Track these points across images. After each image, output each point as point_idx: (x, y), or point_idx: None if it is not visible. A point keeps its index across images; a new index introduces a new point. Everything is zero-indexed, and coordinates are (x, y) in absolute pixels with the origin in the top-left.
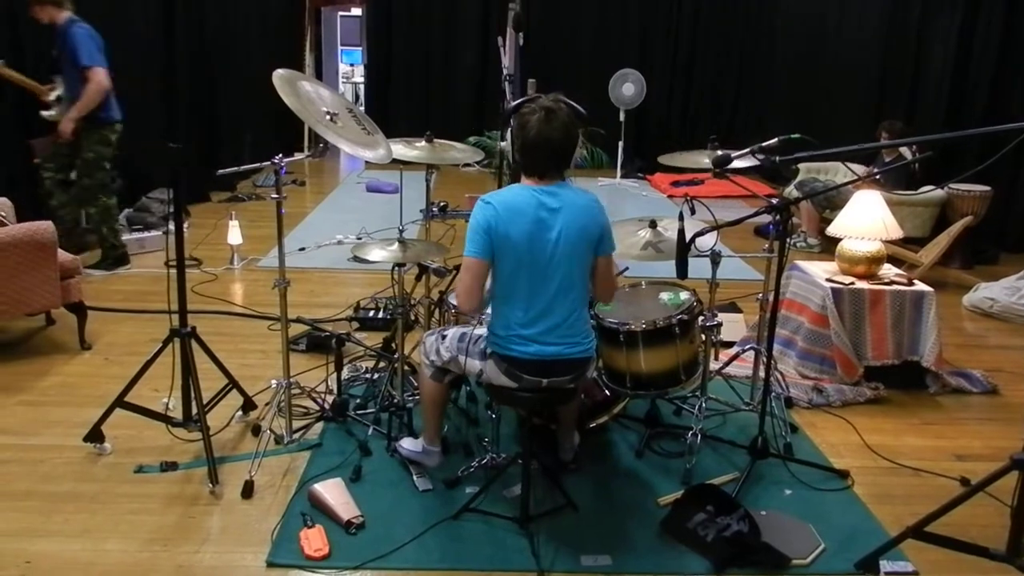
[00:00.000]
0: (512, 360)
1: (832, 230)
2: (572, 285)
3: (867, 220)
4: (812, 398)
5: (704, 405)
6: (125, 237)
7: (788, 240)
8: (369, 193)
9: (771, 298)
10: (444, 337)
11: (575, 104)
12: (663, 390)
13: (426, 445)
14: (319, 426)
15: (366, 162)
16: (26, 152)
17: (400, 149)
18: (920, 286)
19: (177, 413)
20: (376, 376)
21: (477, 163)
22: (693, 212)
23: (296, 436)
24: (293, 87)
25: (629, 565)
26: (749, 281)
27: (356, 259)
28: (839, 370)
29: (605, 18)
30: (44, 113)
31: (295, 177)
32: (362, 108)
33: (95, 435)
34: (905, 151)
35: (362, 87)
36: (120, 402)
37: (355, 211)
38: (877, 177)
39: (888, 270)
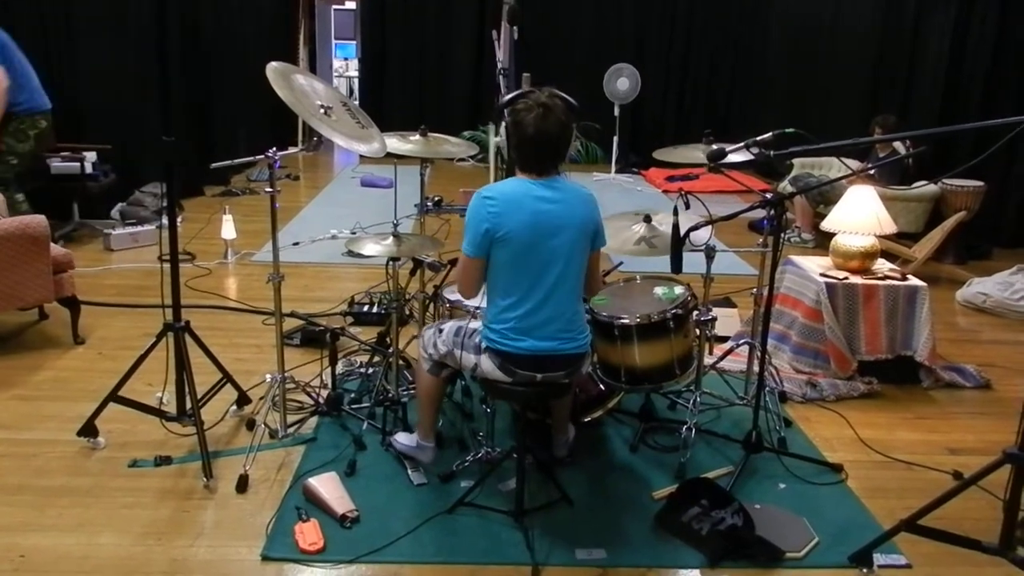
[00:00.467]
0: (506, 355)
1: (826, 225)
2: (568, 280)
3: (861, 215)
4: (806, 392)
5: (698, 399)
6: (119, 231)
7: (782, 235)
8: (363, 188)
9: (765, 293)
10: (441, 331)
11: (568, 97)
12: (658, 384)
13: (420, 441)
14: (314, 420)
15: (360, 156)
16: None
17: (394, 143)
18: (914, 281)
19: (171, 407)
20: (371, 370)
21: (472, 157)
22: (688, 207)
23: (291, 430)
24: (287, 80)
25: (624, 559)
26: (743, 276)
27: (350, 253)
28: (833, 364)
29: (600, 12)
30: None
31: (289, 171)
32: (356, 102)
33: (89, 429)
34: (899, 146)
35: (356, 81)
36: (114, 396)
37: (349, 205)
38: (871, 172)
39: (882, 265)
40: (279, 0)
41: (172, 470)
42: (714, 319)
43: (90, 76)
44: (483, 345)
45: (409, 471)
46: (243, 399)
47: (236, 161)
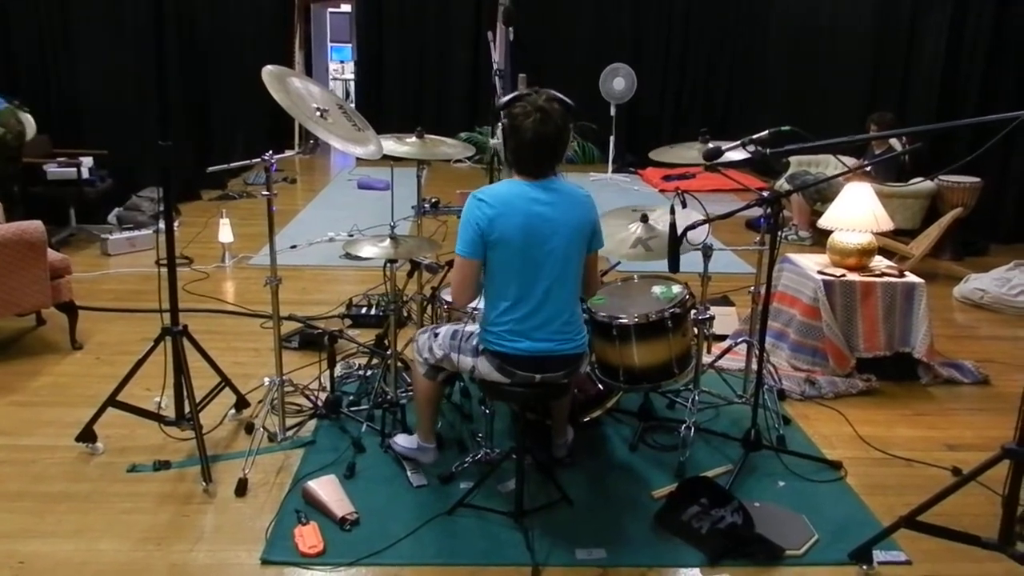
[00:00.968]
0: (504, 356)
1: (823, 222)
2: (565, 280)
3: (858, 212)
4: (804, 390)
5: (697, 398)
6: (116, 236)
7: (779, 233)
8: (360, 190)
9: (763, 291)
10: (436, 335)
11: (564, 98)
12: (656, 384)
13: (421, 442)
14: (312, 423)
15: (357, 159)
16: None
17: (390, 145)
18: (911, 277)
19: (170, 412)
20: (369, 373)
21: (468, 159)
22: (684, 206)
23: (289, 434)
24: (283, 84)
25: (624, 558)
26: (741, 274)
27: (348, 256)
28: (831, 362)
29: (597, 12)
30: None
31: (286, 175)
32: (352, 105)
33: (87, 435)
34: (895, 143)
35: (352, 84)
36: (112, 401)
37: (346, 208)
38: (867, 169)
39: (879, 262)
40: (275, 4)
41: (171, 474)
42: (712, 318)
43: (87, 81)
44: (480, 347)
45: (408, 473)
46: (242, 403)
47: (232, 165)
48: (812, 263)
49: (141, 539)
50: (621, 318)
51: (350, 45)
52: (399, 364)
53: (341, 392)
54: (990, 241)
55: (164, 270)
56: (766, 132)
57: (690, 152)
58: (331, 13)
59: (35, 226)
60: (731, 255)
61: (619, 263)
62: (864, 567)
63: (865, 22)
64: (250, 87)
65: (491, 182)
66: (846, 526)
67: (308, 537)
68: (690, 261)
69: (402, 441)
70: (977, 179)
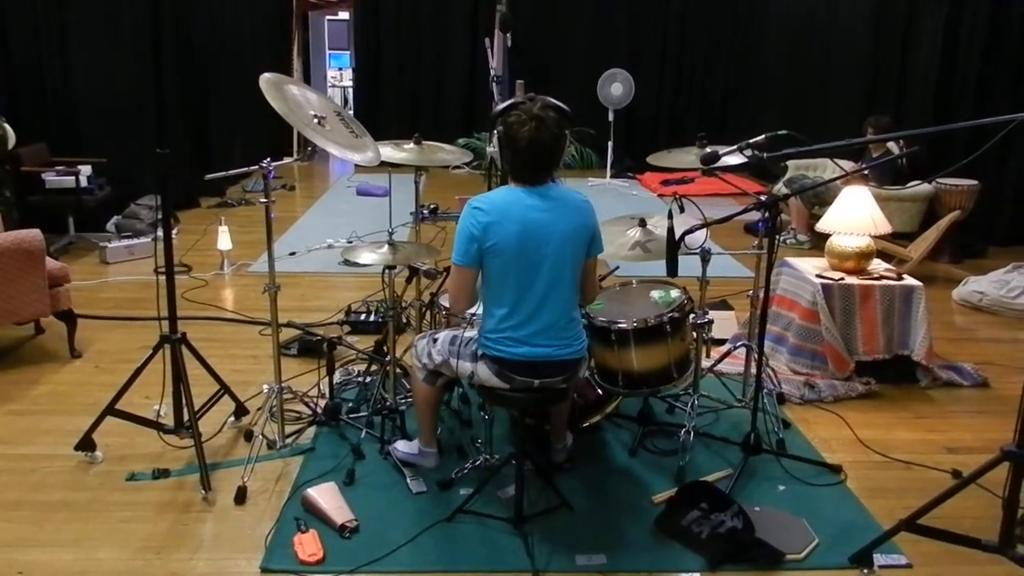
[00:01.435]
0: (503, 361)
1: (821, 226)
2: (563, 286)
3: (856, 216)
4: (804, 394)
5: (696, 402)
6: (114, 244)
7: (777, 237)
8: (359, 197)
9: (762, 295)
10: (435, 340)
11: (560, 104)
12: (655, 388)
13: (422, 447)
14: (312, 430)
15: (356, 165)
16: None
17: (388, 151)
18: (909, 280)
19: (169, 420)
20: (368, 379)
21: (467, 164)
22: (682, 210)
23: (289, 441)
24: (280, 91)
25: (624, 564)
26: (739, 278)
27: (346, 263)
28: (830, 365)
29: (594, 17)
30: None
31: (284, 182)
32: (351, 112)
33: (86, 443)
34: (893, 146)
35: (350, 91)
36: (111, 410)
37: (345, 215)
38: (865, 173)
39: (877, 265)
40: (273, 11)
41: (170, 483)
42: (711, 322)
43: (85, 90)
44: (479, 352)
45: (408, 479)
46: (241, 410)
47: (231, 172)
48: (810, 267)
49: (140, 548)
50: (620, 323)
51: (348, 52)
52: (398, 370)
53: (340, 399)
54: (988, 243)
55: (163, 278)
56: (763, 136)
57: (688, 156)
58: (329, 20)
59: (33, 235)
60: (730, 259)
61: (618, 267)
62: (865, 571)
63: (862, 23)
64: (248, 95)
65: (489, 188)
66: (846, 530)
67: (308, 545)
68: (689, 265)
69: (402, 447)
70: (975, 182)
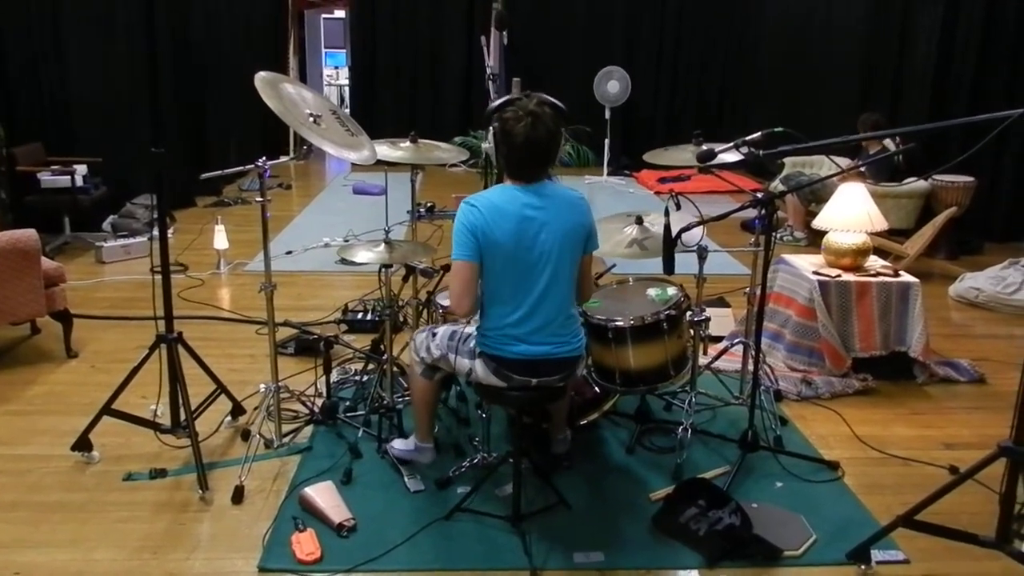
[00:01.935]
0: (501, 360)
1: (818, 223)
2: (560, 283)
3: (852, 212)
4: (801, 390)
5: (694, 400)
6: (110, 243)
7: (774, 234)
8: (356, 195)
9: (758, 292)
10: (435, 335)
11: (556, 102)
12: (653, 386)
13: (419, 443)
14: (309, 429)
15: (352, 164)
16: None
17: (384, 150)
18: (906, 277)
19: (165, 420)
20: (365, 378)
21: (463, 163)
22: (679, 207)
23: (286, 440)
24: (275, 90)
25: (622, 561)
26: (736, 276)
27: (343, 261)
28: (827, 362)
29: (590, 15)
30: None
31: (281, 181)
32: (347, 110)
33: (83, 443)
34: (889, 143)
35: (347, 89)
36: (107, 410)
37: (342, 213)
38: (861, 170)
39: (874, 262)
40: (269, 10)
41: (167, 483)
42: (708, 319)
43: (81, 89)
44: (477, 350)
45: (406, 478)
46: (238, 410)
47: (227, 171)
48: (807, 264)
49: (137, 548)
50: (617, 321)
51: (344, 51)
52: (395, 369)
53: (337, 398)
54: (984, 240)
55: (159, 277)
56: (759, 134)
57: (684, 154)
58: (325, 19)
59: (29, 234)
60: (726, 256)
61: (615, 265)
62: (862, 567)
63: (858, 21)
64: (244, 94)
65: (486, 186)
66: (844, 526)
67: (305, 544)
68: (685, 263)
69: (399, 444)
70: (971, 178)
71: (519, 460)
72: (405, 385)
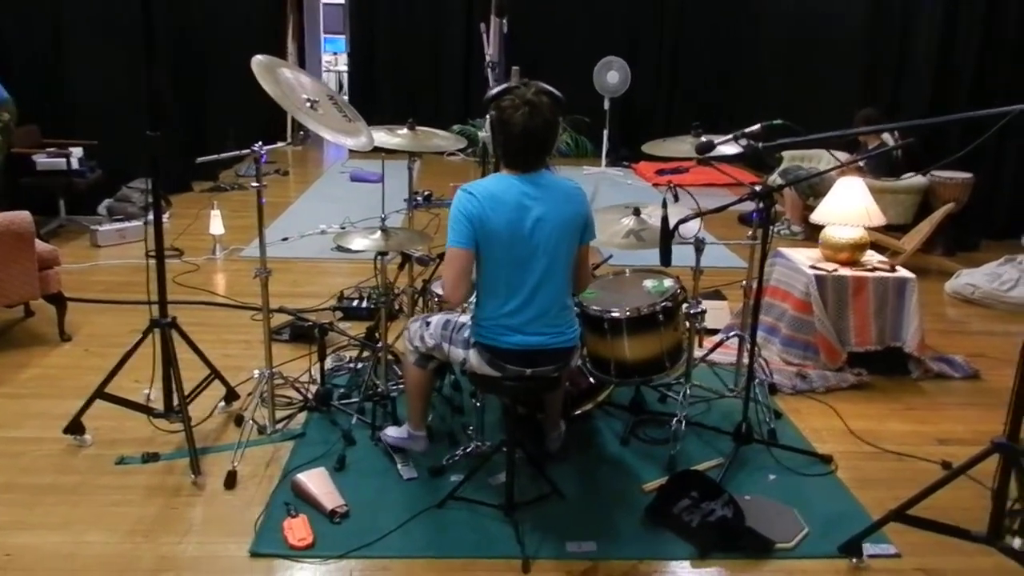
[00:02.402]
0: (495, 350)
1: (815, 217)
2: (555, 274)
3: (850, 207)
4: (796, 384)
5: (688, 392)
6: (105, 227)
7: (772, 227)
8: (353, 183)
9: (755, 285)
10: (428, 324)
11: (554, 91)
12: (647, 377)
13: (412, 431)
14: (302, 416)
15: (349, 151)
16: None
17: (382, 136)
18: (902, 272)
19: (158, 404)
20: (360, 365)
21: (461, 151)
22: (676, 199)
23: (279, 426)
24: (273, 74)
25: (614, 551)
26: (733, 269)
27: (339, 248)
28: (822, 356)
29: (591, 5)
30: None
31: (278, 167)
32: (346, 97)
33: (75, 427)
34: (888, 138)
35: (345, 75)
36: (100, 393)
37: (339, 200)
38: (860, 164)
39: (871, 257)
40: None
41: (160, 467)
42: (704, 312)
43: (76, 71)
44: (472, 340)
45: (399, 466)
46: (231, 395)
47: (222, 155)
48: (804, 258)
49: (129, 531)
50: (612, 312)
51: (343, 36)
52: (390, 357)
53: (331, 385)
54: (982, 237)
55: (153, 262)
56: (758, 126)
57: (682, 146)
58: (324, 4)
59: (23, 217)
60: (723, 249)
61: (611, 256)
62: (854, 560)
63: (858, 15)
64: (242, 78)
65: (484, 175)
66: (836, 520)
67: (297, 530)
68: (682, 255)
69: (392, 432)
70: (969, 175)
71: (513, 449)
72: (399, 373)
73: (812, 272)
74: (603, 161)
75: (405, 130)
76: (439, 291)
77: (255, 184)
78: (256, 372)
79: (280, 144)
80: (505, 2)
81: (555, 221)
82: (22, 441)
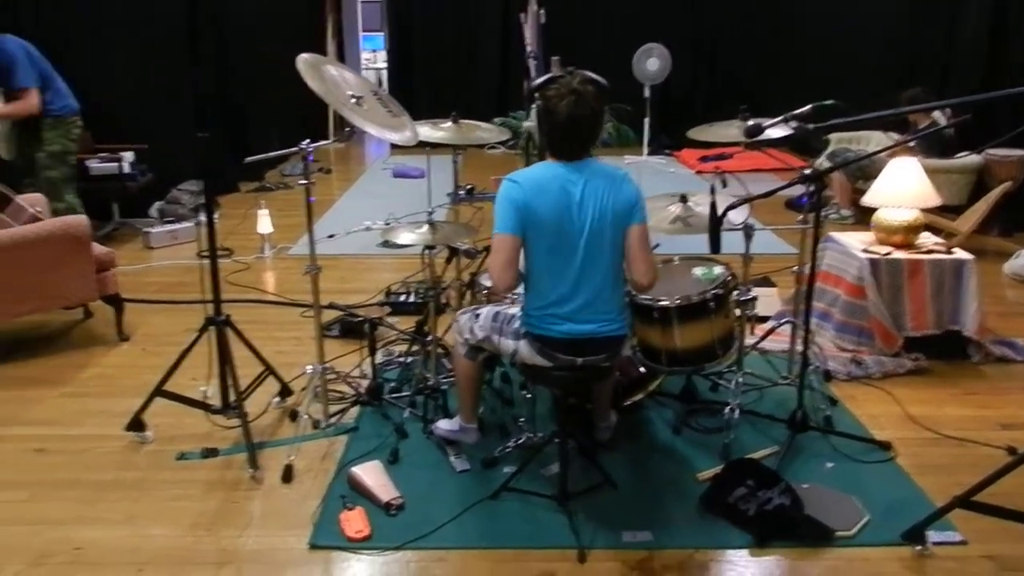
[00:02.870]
0: (546, 340)
1: (868, 200)
2: (602, 262)
3: (904, 188)
4: (851, 370)
5: (741, 380)
6: (158, 229)
7: (821, 211)
8: (395, 179)
9: (807, 270)
10: (478, 316)
11: (599, 79)
12: (699, 366)
13: (463, 423)
14: (355, 410)
15: (391, 147)
16: None
17: (426, 130)
18: (960, 254)
19: (215, 401)
20: (410, 359)
21: (502, 144)
22: (725, 185)
23: (333, 421)
24: (318, 71)
25: (670, 540)
26: (781, 255)
27: (386, 244)
28: (878, 341)
29: None
30: None
31: (321, 165)
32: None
33: (136, 424)
34: (939, 116)
35: (385, 73)
36: (159, 391)
37: (382, 197)
38: (911, 144)
39: (926, 239)
40: None
41: (218, 462)
42: (754, 299)
43: (122, 77)
44: (522, 330)
45: (452, 458)
46: (285, 391)
47: (270, 155)
48: (856, 241)
49: (191, 525)
50: (662, 300)
51: (382, 34)
52: (439, 350)
53: (383, 379)
54: None
55: (206, 261)
56: (808, 107)
57: (730, 130)
58: (362, 2)
59: (80, 220)
60: (770, 235)
61: (659, 244)
62: (918, 548)
63: None
64: (282, 78)
65: (527, 166)
66: (897, 507)
67: (354, 522)
68: (731, 242)
69: (444, 424)
70: None
71: (565, 440)
72: (449, 366)
73: (865, 256)
74: (645, 149)
75: (449, 123)
76: (487, 284)
77: (303, 182)
78: (308, 368)
79: (325, 142)
80: None
81: (601, 205)
82: (85, 439)
